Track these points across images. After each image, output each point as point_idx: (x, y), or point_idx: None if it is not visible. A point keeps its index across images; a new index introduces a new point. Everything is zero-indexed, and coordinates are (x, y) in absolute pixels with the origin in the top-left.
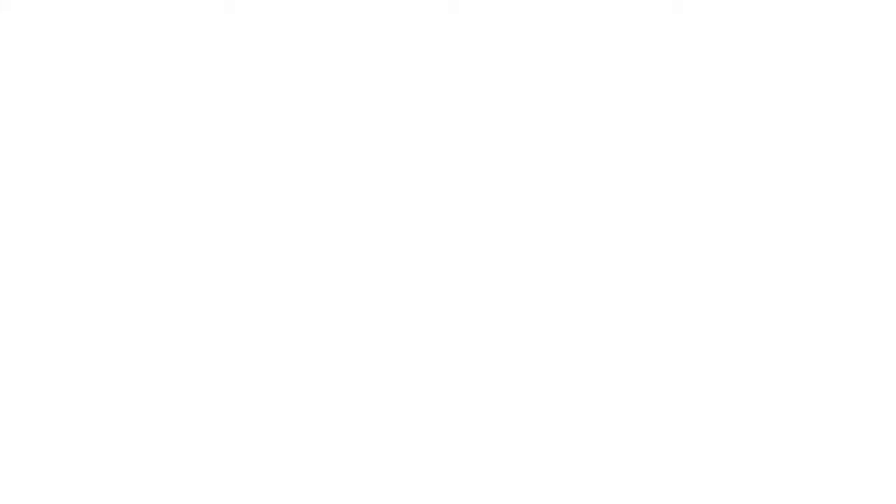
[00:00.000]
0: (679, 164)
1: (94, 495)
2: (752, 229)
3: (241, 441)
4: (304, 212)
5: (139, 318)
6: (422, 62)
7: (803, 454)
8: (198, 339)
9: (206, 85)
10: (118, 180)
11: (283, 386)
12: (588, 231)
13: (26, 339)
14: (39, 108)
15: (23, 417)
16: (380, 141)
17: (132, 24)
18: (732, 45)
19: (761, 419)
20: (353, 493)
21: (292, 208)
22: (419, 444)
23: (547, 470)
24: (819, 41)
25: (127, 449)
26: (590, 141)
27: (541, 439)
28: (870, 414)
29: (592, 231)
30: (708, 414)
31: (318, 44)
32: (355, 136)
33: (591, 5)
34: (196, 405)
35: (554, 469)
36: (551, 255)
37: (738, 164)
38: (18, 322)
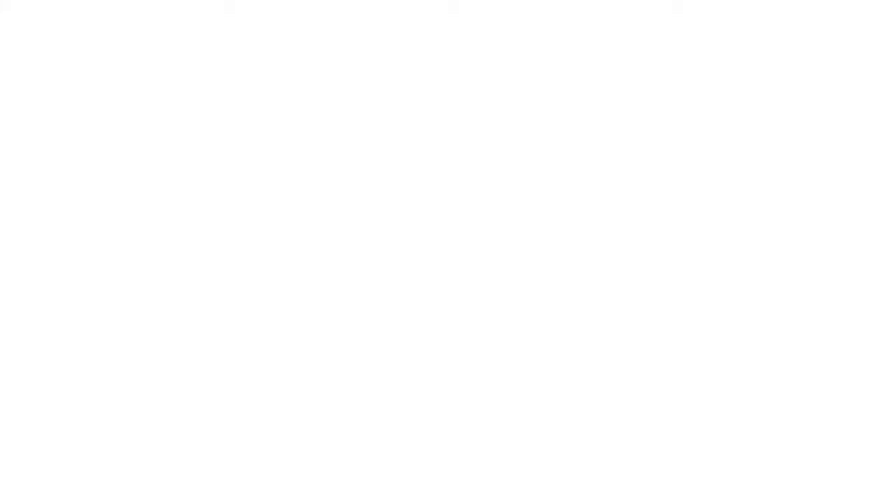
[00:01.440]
0: (679, 164)
1: (95, 495)
2: (751, 229)
3: (241, 441)
4: (304, 211)
5: (138, 316)
6: (422, 62)
7: (803, 454)
8: (197, 338)
9: (206, 85)
10: (118, 180)
11: (283, 385)
12: (588, 230)
13: (26, 338)
14: (39, 107)
15: (23, 417)
16: (380, 141)
17: (132, 24)
18: (733, 46)
19: (761, 419)
20: (354, 494)
21: (292, 207)
22: (419, 444)
23: (547, 470)
24: (819, 41)
25: (127, 449)
26: (590, 140)
27: (541, 439)
28: (870, 414)
29: (592, 231)
30: (708, 413)
31: (317, 44)
32: (355, 135)
33: (591, 5)
34: (196, 404)
35: (554, 469)
36: (551, 255)
37: (737, 163)
38: (18, 321)
